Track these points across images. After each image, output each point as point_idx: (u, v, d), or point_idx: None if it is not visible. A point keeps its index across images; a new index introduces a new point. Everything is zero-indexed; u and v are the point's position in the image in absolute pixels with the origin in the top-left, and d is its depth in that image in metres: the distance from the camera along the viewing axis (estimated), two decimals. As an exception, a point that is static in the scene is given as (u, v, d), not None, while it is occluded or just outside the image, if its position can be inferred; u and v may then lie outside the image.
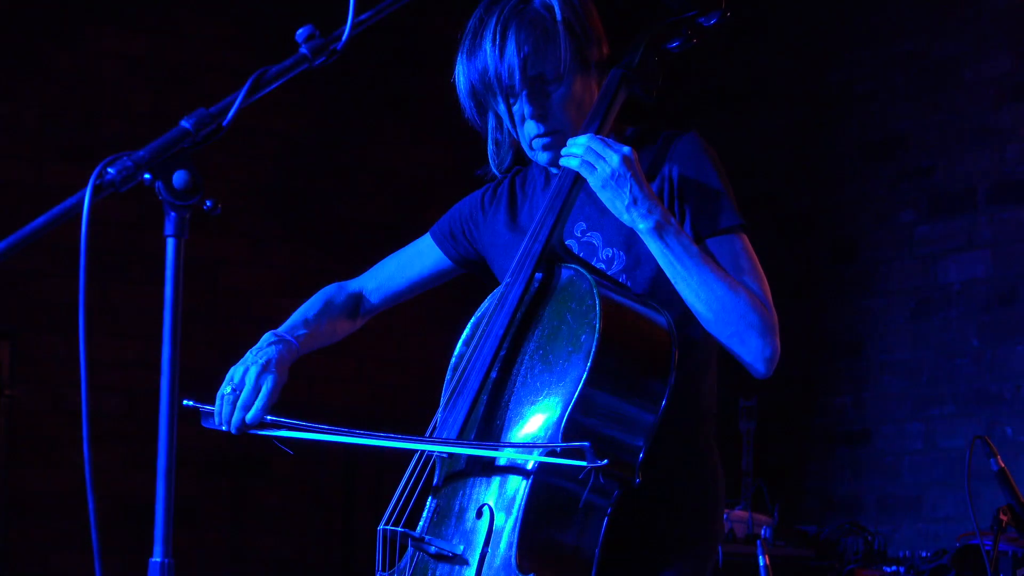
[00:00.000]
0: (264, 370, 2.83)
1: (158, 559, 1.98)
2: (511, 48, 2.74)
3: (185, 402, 2.83)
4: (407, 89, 7.27)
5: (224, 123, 2.05)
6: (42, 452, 6.41)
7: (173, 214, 2.00)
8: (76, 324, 1.97)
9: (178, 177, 1.99)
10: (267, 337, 2.94)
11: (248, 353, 2.89)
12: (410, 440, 2.63)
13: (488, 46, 2.76)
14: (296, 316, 3.04)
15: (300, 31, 2.13)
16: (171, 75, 6.76)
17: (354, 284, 3.12)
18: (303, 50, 2.13)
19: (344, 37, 2.14)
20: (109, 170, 1.98)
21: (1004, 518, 4.18)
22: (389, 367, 6.96)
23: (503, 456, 2.54)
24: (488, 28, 2.78)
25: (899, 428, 6.50)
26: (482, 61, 2.78)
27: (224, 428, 2.84)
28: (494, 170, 2.94)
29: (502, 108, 2.80)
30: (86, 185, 1.97)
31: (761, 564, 4.60)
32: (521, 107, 2.78)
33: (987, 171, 6.28)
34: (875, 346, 6.61)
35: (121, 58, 6.69)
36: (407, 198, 7.20)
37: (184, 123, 2.02)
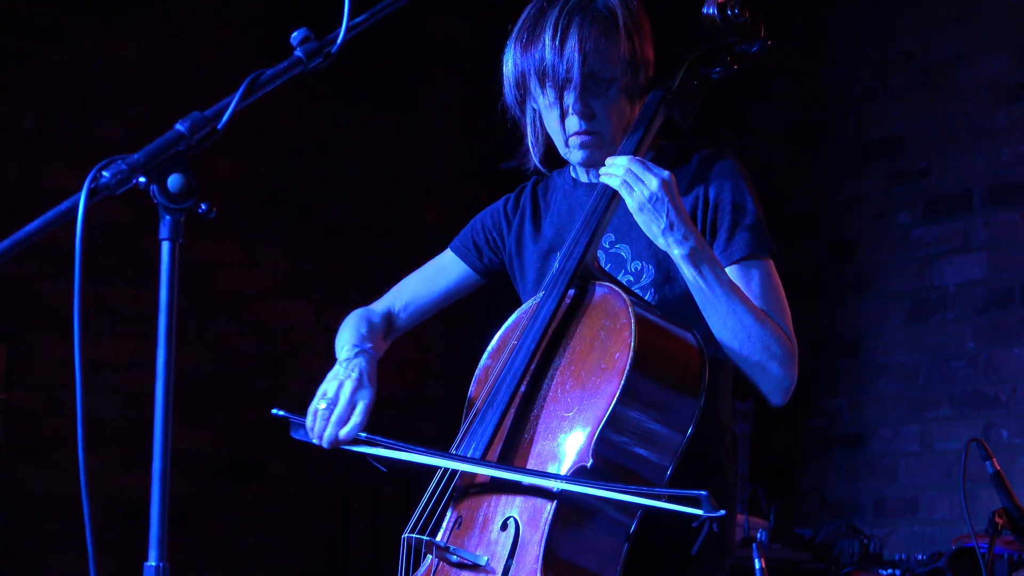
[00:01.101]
0: (359, 385, 2.83)
1: (153, 563, 1.98)
2: (572, 42, 2.76)
3: (275, 411, 2.83)
4: (403, 90, 7.27)
5: (219, 126, 2.05)
6: (38, 454, 6.41)
7: (168, 217, 2.00)
8: (72, 326, 1.97)
9: (173, 181, 1.99)
10: (347, 349, 2.91)
11: (337, 367, 2.87)
12: (510, 470, 2.59)
13: (547, 37, 2.78)
14: (352, 334, 2.98)
15: (295, 34, 2.14)
16: (169, 77, 6.76)
17: (380, 306, 3.10)
18: (298, 53, 2.14)
19: (339, 41, 2.14)
20: (104, 174, 1.98)
21: (1000, 521, 4.18)
22: (390, 374, 6.94)
23: (611, 496, 2.49)
24: (549, 20, 2.79)
25: (895, 430, 6.49)
26: (540, 51, 2.79)
27: (316, 442, 2.83)
28: (535, 161, 2.95)
29: (551, 100, 2.81)
30: (82, 188, 1.97)
31: (757, 567, 4.59)
32: (568, 102, 2.79)
33: (983, 173, 6.28)
34: (871, 348, 6.61)
35: (119, 60, 6.69)
36: (403, 200, 7.19)
37: (179, 126, 2.02)
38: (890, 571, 5.14)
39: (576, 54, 2.76)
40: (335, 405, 2.80)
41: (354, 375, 2.83)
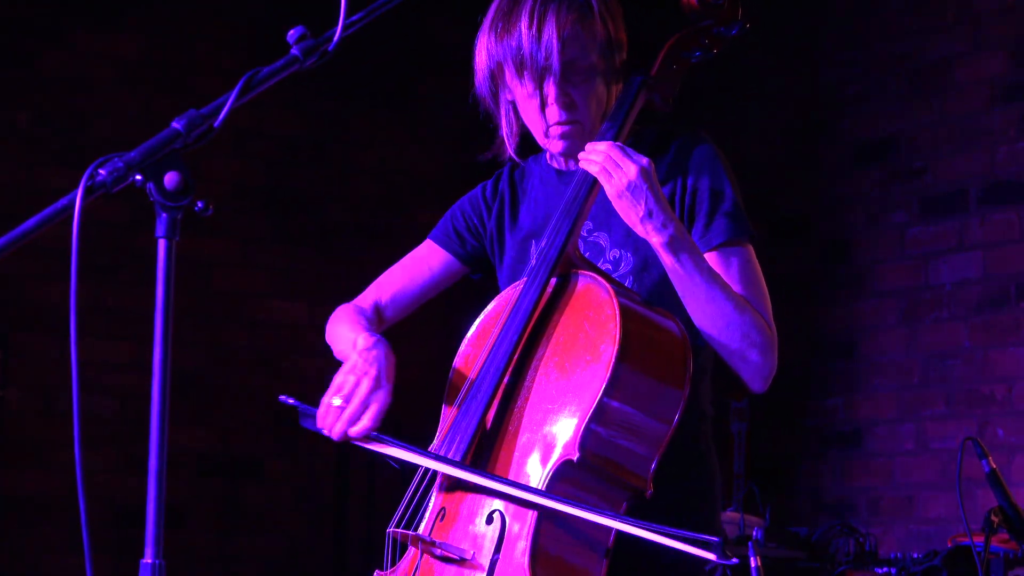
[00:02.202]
0: (376, 385, 2.70)
1: (149, 561, 1.98)
2: (549, 30, 2.73)
3: (282, 398, 2.78)
4: (400, 90, 7.27)
5: (215, 124, 2.05)
6: (33, 454, 6.40)
7: (164, 215, 2.00)
8: (68, 326, 1.97)
9: (169, 178, 1.99)
10: (365, 337, 2.79)
11: (356, 356, 2.76)
12: (516, 487, 2.53)
13: (523, 26, 2.75)
14: (354, 328, 2.90)
15: (291, 32, 2.14)
16: (163, 77, 6.75)
17: (367, 300, 3.03)
18: (294, 51, 2.13)
19: (335, 38, 2.14)
20: (100, 172, 1.98)
21: (995, 519, 4.18)
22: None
23: (614, 526, 2.47)
24: (524, 8, 2.76)
25: (890, 429, 6.50)
26: (516, 41, 2.76)
27: (324, 433, 2.77)
28: (510, 151, 2.93)
29: (530, 91, 2.79)
30: (77, 187, 1.97)
31: (752, 566, 4.59)
32: (548, 91, 2.77)
33: (978, 172, 6.28)
34: (867, 347, 6.61)
35: (113, 60, 6.68)
36: (400, 200, 7.19)
37: (175, 124, 2.02)
38: (885, 570, 5.13)
39: (555, 42, 2.73)
40: (349, 402, 2.72)
41: (372, 372, 2.71)
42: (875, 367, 6.57)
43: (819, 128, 6.90)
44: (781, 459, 6.83)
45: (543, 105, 2.79)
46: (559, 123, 2.80)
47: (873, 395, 6.57)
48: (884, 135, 6.63)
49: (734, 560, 2.39)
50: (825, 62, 6.91)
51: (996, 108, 6.26)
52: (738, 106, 7.14)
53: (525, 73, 2.77)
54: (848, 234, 6.72)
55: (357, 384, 2.72)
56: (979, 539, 4.25)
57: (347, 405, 2.71)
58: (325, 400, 2.75)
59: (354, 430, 2.71)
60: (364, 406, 2.71)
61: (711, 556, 2.39)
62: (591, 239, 2.84)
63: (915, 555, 5.11)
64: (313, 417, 2.76)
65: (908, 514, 6.40)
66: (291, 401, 2.78)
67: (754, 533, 5.40)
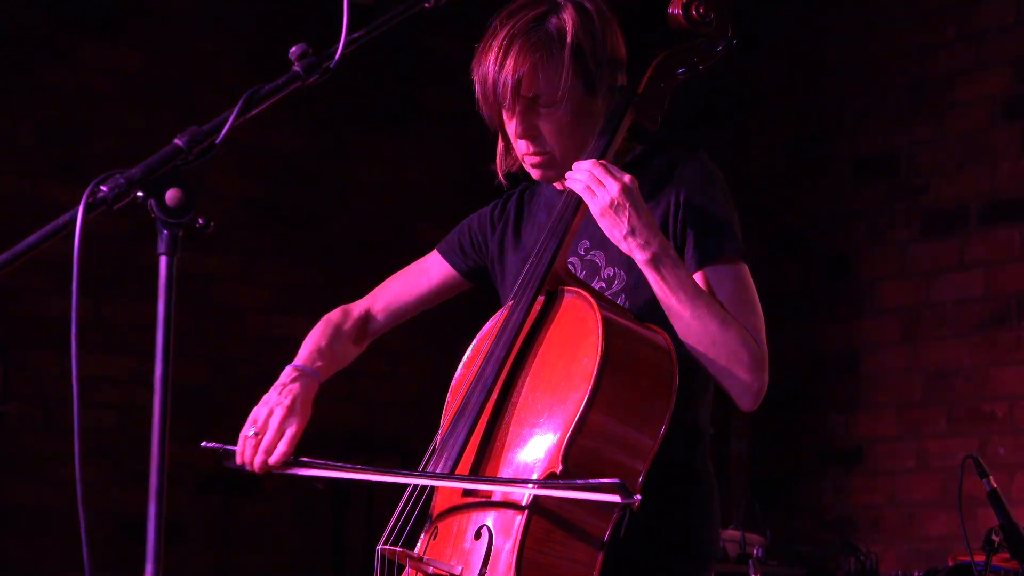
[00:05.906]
0: (289, 413, 2.80)
1: (149, 575, 1.97)
2: (509, 66, 2.74)
3: (205, 444, 2.82)
4: (401, 106, 7.27)
5: (217, 141, 2.05)
6: (33, 468, 6.40)
7: (166, 232, 2.00)
8: (68, 340, 1.97)
9: (171, 195, 1.99)
10: (288, 372, 2.91)
11: (271, 391, 2.86)
12: (434, 477, 2.59)
13: (491, 59, 2.76)
14: (309, 347, 3.00)
15: (293, 49, 2.14)
16: (165, 92, 6.76)
17: (359, 306, 3.10)
18: (296, 68, 2.14)
19: (337, 55, 2.14)
20: (102, 188, 1.98)
21: (996, 538, 4.17)
22: (382, 385, 6.95)
23: (531, 491, 2.49)
24: (496, 39, 2.77)
25: (891, 447, 6.49)
26: (485, 70, 2.77)
27: (247, 469, 2.82)
28: (499, 176, 2.94)
29: (502, 119, 2.80)
30: (79, 202, 1.97)
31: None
32: (511, 125, 2.79)
33: (980, 190, 6.29)
34: (868, 364, 6.61)
35: (115, 74, 6.69)
36: (400, 215, 7.20)
37: (177, 141, 2.03)
38: (886, 588, 5.13)
39: (510, 78, 2.73)
40: (263, 433, 2.79)
41: (286, 402, 2.82)
42: (876, 384, 6.57)
43: (821, 144, 6.91)
44: (782, 477, 6.82)
45: (513, 137, 2.81)
46: (527, 155, 2.81)
47: (874, 412, 6.57)
48: (886, 152, 6.63)
49: (637, 497, 2.38)
50: (827, 78, 6.91)
51: (998, 125, 6.27)
52: (740, 122, 7.14)
53: (492, 103, 2.78)
54: (849, 251, 6.72)
55: (270, 415, 2.79)
56: (980, 558, 4.24)
57: (262, 437, 2.78)
58: (242, 434, 2.81)
59: (272, 459, 2.77)
60: (279, 435, 2.78)
61: (615, 499, 2.39)
62: (588, 257, 2.84)
63: (916, 573, 5.11)
64: (232, 455, 2.81)
65: (909, 532, 6.39)
66: (212, 445, 2.83)
67: (755, 551, 5.39)
